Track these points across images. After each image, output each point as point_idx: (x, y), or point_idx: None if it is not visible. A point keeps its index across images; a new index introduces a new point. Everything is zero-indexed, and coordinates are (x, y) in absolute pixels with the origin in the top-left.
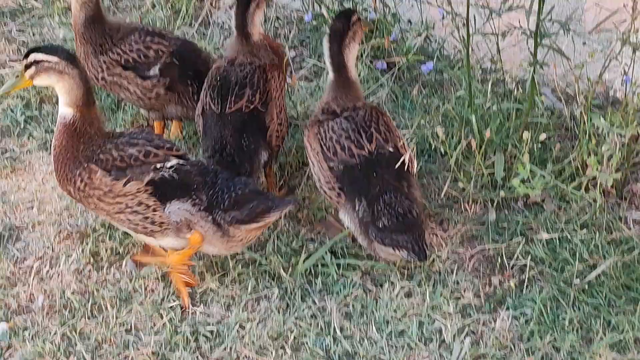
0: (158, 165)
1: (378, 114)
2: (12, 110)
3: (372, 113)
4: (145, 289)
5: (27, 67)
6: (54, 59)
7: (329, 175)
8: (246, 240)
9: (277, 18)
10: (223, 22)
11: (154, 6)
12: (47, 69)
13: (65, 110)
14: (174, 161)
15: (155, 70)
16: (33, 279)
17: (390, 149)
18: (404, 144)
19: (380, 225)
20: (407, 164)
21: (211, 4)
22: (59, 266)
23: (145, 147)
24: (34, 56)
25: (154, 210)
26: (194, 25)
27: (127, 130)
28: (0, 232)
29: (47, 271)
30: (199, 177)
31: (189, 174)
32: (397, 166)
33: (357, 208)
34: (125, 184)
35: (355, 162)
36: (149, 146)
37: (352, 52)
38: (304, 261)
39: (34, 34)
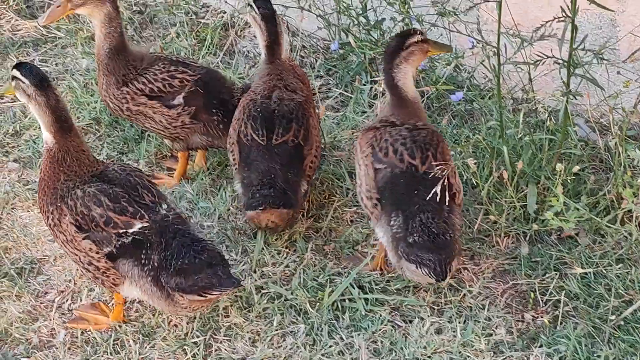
0: (121, 231)
1: (438, 141)
2: (34, 142)
3: (434, 137)
4: (169, 323)
5: (12, 78)
6: (25, 81)
7: (371, 184)
8: (191, 308)
9: (303, 47)
10: (248, 51)
11: (178, 35)
12: (20, 89)
13: (46, 136)
14: (137, 226)
15: (179, 99)
16: (54, 313)
17: (440, 177)
18: (455, 173)
19: (411, 241)
20: (453, 192)
21: (236, 33)
22: (81, 300)
23: (108, 212)
24: (14, 72)
25: (105, 272)
26: (219, 54)
27: (113, 164)
28: (22, 266)
29: (69, 305)
30: (157, 237)
31: (148, 235)
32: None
33: (392, 222)
34: (83, 239)
35: (401, 169)
36: (112, 211)
37: (402, 72)
38: (329, 295)
39: (57, 64)
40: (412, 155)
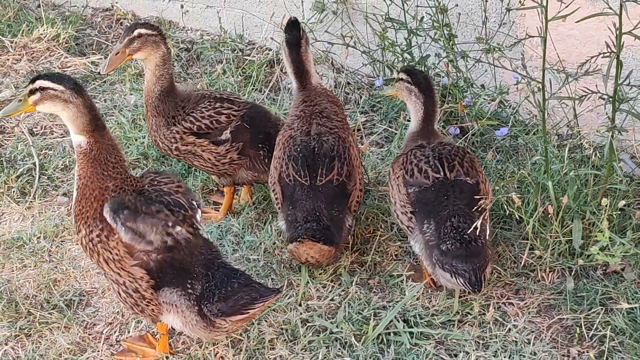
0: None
1: (465, 152)
2: None
3: (459, 150)
4: (215, 355)
5: (32, 92)
6: (59, 87)
7: (404, 199)
8: (232, 330)
9: (348, 83)
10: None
11: (224, 72)
12: (53, 97)
13: (79, 138)
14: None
15: (226, 135)
16: (103, 345)
17: (470, 182)
18: (485, 180)
19: (444, 249)
20: (483, 199)
21: (281, 69)
22: (129, 332)
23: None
24: (40, 83)
25: (148, 302)
26: (264, 91)
27: (152, 175)
28: (71, 298)
29: (117, 337)
30: (202, 268)
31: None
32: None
33: (424, 229)
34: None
35: (429, 184)
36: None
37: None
38: (374, 328)
39: (105, 100)
40: (436, 170)
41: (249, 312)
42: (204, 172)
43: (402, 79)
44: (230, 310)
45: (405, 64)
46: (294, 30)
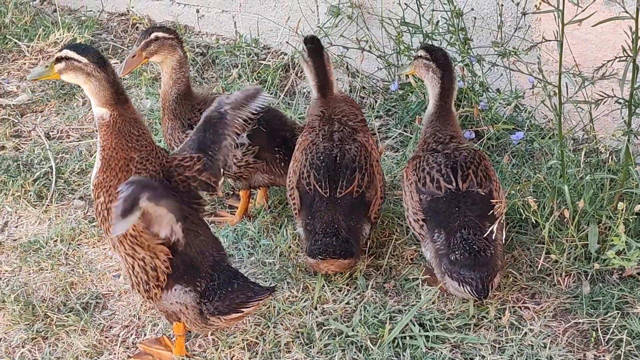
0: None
1: (480, 159)
2: None
3: (475, 156)
4: (232, 358)
5: (58, 60)
6: (83, 59)
7: (416, 206)
8: (224, 327)
9: (363, 88)
10: (308, 92)
11: (240, 77)
12: (76, 68)
13: (101, 110)
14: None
15: (243, 138)
16: (119, 347)
17: (482, 193)
18: (499, 188)
19: (453, 258)
20: (497, 209)
21: (296, 74)
22: (145, 335)
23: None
24: (65, 52)
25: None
26: (279, 95)
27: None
28: (87, 301)
29: (133, 340)
30: (211, 270)
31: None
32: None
33: (435, 239)
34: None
35: (440, 194)
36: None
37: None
38: (389, 332)
39: None
40: (448, 180)
41: (242, 311)
42: None
43: (420, 56)
44: (226, 309)
45: None
46: (313, 42)
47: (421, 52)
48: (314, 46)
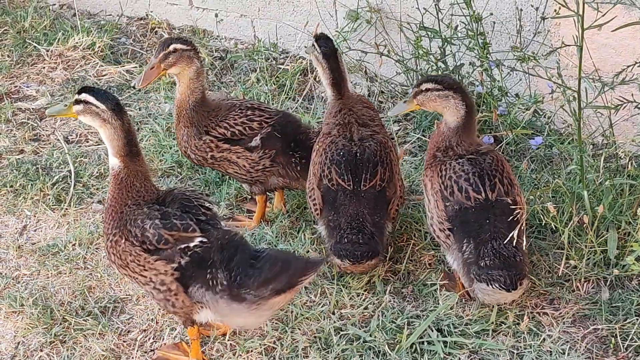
0: (181, 246)
1: (503, 164)
2: None
3: (498, 162)
4: None
5: (77, 102)
6: (101, 105)
7: (442, 215)
8: (275, 309)
9: (381, 92)
10: (326, 97)
11: (258, 81)
12: (93, 113)
13: (113, 160)
14: (196, 240)
15: (257, 141)
16: (137, 352)
17: (509, 201)
18: (519, 192)
19: (482, 264)
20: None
21: (314, 78)
22: (163, 339)
23: (158, 230)
24: (85, 96)
25: (176, 294)
26: (298, 99)
27: (175, 189)
28: (105, 305)
29: (151, 344)
30: (218, 254)
31: (209, 251)
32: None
33: (464, 249)
34: (156, 260)
35: (470, 205)
36: (162, 229)
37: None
38: (407, 337)
39: (140, 109)
40: (477, 191)
41: (299, 284)
42: (237, 180)
43: (429, 89)
44: (284, 287)
45: (439, 72)
46: (327, 42)
47: (428, 85)
48: (327, 46)
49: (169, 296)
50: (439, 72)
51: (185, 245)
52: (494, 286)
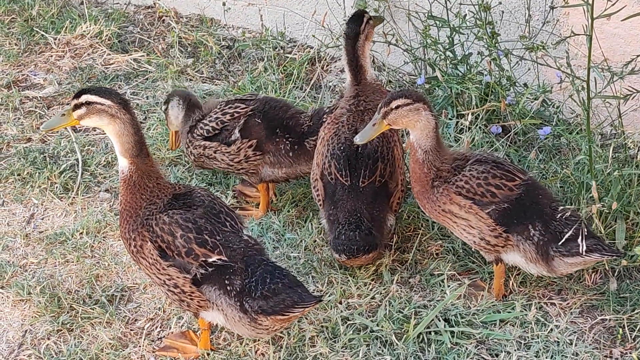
0: (201, 260)
1: (503, 162)
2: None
3: (497, 160)
4: (256, 352)
5: (77, 107)
6: (106, 102)
7: (491, 224)
8: (272, 330)
9: (390, 82)
10: (334, 86)
11: (265, 70)
12: (99, 112)
13: (123, 163)
14: (214, 257)
15: (235, 134)
16: (144, 340)
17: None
18: None
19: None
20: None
21: (322, 67)
22: (170, 328)
23: (191, 244)
24: (86, 97)
25: (190, 295)
26: (305, 89)
27: (190, 189)
28: (113, 293)
29: (158, 333)
30: (241, 264)
31: (229, 264)
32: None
33: (532, 236)
34: (168, 266)
35: (515, 194)
36: (194, 243)
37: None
38: (414, 327)
39: (147, 97)
40: (510, 178)
41: (289, 315)
42: (231, 174)
43: (399, 106)
44: (271, 310)
45: (448, 62)
46: (353, 24)
47: (398, 102)
48: (350, 27)
49: (184, 297)
50: (447, 62)
51: (204, 260)
52: (594, 256)
